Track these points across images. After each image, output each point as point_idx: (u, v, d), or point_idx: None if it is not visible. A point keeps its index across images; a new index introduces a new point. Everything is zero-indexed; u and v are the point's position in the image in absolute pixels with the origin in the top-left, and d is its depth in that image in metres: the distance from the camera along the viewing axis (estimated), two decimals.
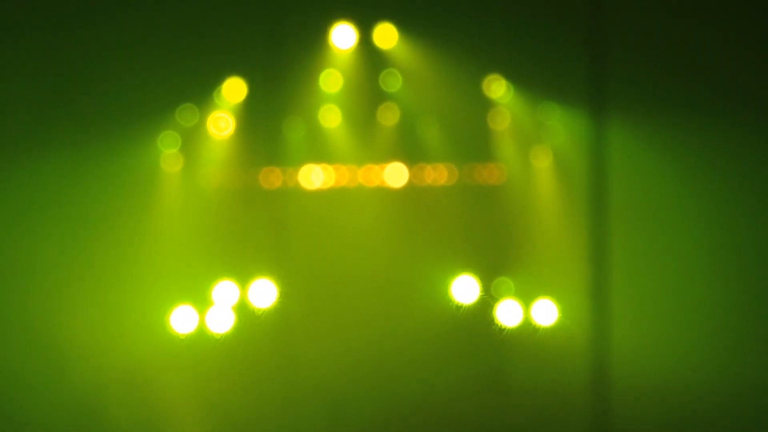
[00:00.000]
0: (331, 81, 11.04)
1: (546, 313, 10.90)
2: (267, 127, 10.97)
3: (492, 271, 11.01)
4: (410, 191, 11.17)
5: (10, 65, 10.44)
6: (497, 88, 10.99)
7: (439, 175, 11.18)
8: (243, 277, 10.95)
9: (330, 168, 11.20)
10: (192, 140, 11.03)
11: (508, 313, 10.93)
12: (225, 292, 10.95)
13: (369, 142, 11.14)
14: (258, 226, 11.01)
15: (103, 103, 10.54)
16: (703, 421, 10.13)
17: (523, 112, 10.96)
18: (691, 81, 10.35)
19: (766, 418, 10.09)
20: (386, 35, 10.94)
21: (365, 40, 10.95)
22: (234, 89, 10.98)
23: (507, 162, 11.09)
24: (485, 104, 11.01)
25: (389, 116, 11.11)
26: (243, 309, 10.90)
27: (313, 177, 11.20)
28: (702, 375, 10.21)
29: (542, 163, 11.04)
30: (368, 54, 10.96)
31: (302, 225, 11.04)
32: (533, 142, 11.05)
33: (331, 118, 11.12)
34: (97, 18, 10.50)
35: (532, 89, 10.82)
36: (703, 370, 10.23)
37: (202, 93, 10.91)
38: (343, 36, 10.92)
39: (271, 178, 11.15)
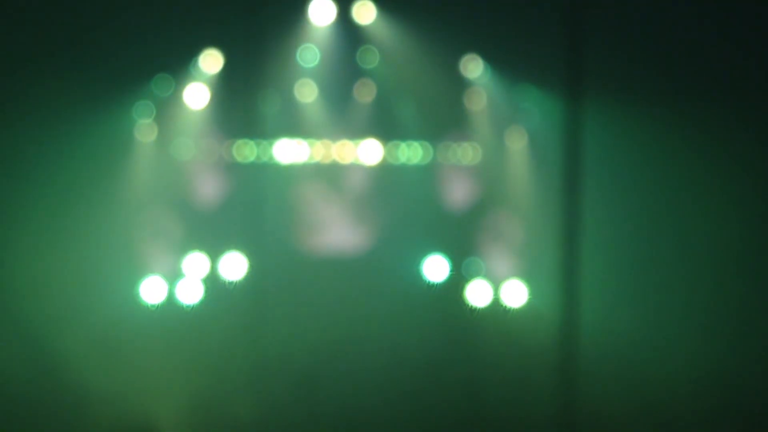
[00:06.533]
0: (308, 56, 11.02)
1: (516, 294, 10.95)
2: (242, 99, 10.93)
3: (463, 251, 11.05)
4: (384, 169, 11.18)
5: None
6: (474, 68, 11.00)
7: (413, 153, 11.20)
8: (214, 249, 10.95)
9: (304, 143, 11.19)
10: (167, 111, 10.97)
11: (478, 294, 10.98)
12: (195, 264, 10.94)
13: (344, 118, 11.12)
14: (231, 199, 11.00)
15: (77, 70, 10.46)
16: (667, 401, 10.22)
17: (499, 93, 10.98)
18: (668, 66, 10.40)
19: (730, 397, 10.19)
20: (365, 11, 10.93)
21: (343, 16, 10.93)
22: (210, 61, 10.94)
23: (482, 142, 11.12)
24: (462, 84, 11.02)
25: (365, 93, 11.10)
26: (213, 281, 10.91)
27: (287, 151, 11.18)
28: (669, 356, 10.30)
29: (517, 144, 11.07)
30: (346, 30, 10.94)
31: (275, 199, 11.03)
32: (509, 123, 11.07)
33: (307, 92, 11.10)
34: None
35: (509, 70, 10.83)
36: (670, 351, 10.31)
37: (178, 63, 10.85)
38: (321, 11, 10.90)
39: (245, 151, 11.13)
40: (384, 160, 11.21)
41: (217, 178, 11.07)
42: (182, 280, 10.89)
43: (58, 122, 10.45)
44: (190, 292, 10.88)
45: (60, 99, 10.43)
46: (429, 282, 11.03)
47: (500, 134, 11.10)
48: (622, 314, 10.50)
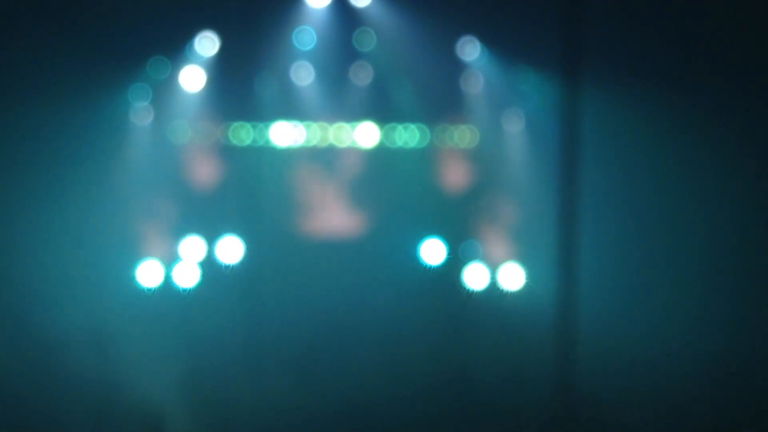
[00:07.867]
0: (305, 38, 10.99)
1: (513, 277, 10.95)
2: (238, 82, 10.90)
3: (460, 234, 11.04)
4: (381, 152, 11.16)
5: None
6: (471, 51, 10.97)
7: (410, 136, 11.17)
8: (210, 233, 10.95)
9: (301, 126, 11.16)
10: (163, 93, 10.95)
11: (475, 277, 10.97)
12: (192, 248, 10.94)
13: (341, 100, 11.10)
14: (227, 182, 10.98)
15: (73, 54, 10.43)
16: (663, 382, 10.23)
17: (496, 76, 10.95)
18: (666, 49, 10.38)
19: (726, 379, 10.20)
20: None
21: None
22: (206, 43, 10.91)
23: (479, 125, 11.09)
24: (459, 66, 10.99)
25: (362, 75, 11.07)
26: (209, 265, 10.91)
27: (284, 134, 11.15)
28: (665, 338, 10.31)
29: (514, 127, 11.05)
30: (342, 12, 10.90)
31: (271, 183, 11.02)
32: (506, 106, 11.05)
33: (304, 75, 11.06)
34: None
35: (506, 53, 10.80)
36: (666, 333, 10.32)
37: (174, 46, 10.82)
38: None
39: (242, 134, 11.10)
40: (381, 143, 11.18)
41: (213, 161, 11.05)
42: (179, 263, 10.88)
43: (54, 105, 10.42)
44: (187, 276, 10.87)
45: (55, 82, 10.40)
46: (426, 265, 11.02)
47: (497, 117, 11.08)
48: (619, 297, 10.50)
